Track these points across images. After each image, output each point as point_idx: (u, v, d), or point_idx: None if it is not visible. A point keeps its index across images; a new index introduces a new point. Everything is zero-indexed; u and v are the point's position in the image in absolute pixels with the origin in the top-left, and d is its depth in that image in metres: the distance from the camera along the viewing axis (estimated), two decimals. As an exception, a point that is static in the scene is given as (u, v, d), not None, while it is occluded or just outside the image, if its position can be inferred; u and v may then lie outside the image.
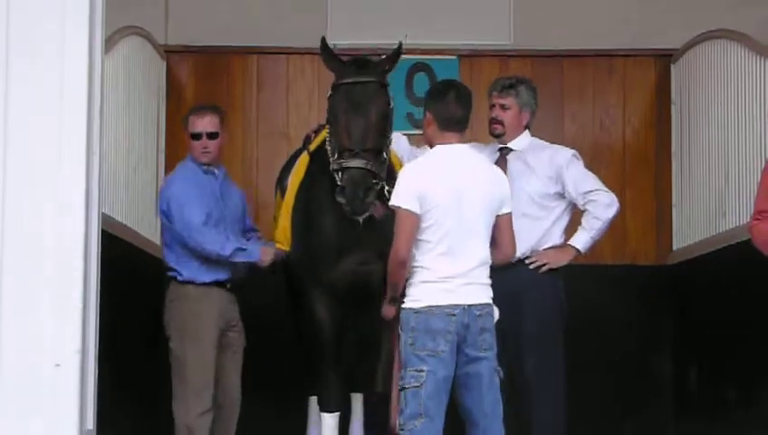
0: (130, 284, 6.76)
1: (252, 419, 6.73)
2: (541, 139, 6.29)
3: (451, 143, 5.11)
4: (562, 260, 6.05)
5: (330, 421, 6.11)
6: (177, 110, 8.21)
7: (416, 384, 4.85)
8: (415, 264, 5.01)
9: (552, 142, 6.37)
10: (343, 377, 6.27)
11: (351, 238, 5.79)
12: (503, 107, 6.14)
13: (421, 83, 8.12)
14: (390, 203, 5.04)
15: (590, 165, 6.36)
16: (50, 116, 5.12)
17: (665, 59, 8.29)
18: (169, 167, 8.09)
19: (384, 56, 5.91)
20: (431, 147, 5.21)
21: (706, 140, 7.62)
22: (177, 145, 8.16)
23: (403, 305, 5.01)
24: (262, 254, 6.21)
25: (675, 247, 8.12)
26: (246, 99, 8.28)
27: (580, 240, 6.08)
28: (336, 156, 5.59)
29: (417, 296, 4.95)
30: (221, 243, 6.13)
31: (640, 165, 8.29)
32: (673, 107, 8.26)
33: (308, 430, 6.87)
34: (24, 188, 5.08)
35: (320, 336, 6.05)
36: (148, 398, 7.58)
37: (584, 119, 8.35)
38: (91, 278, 5.16)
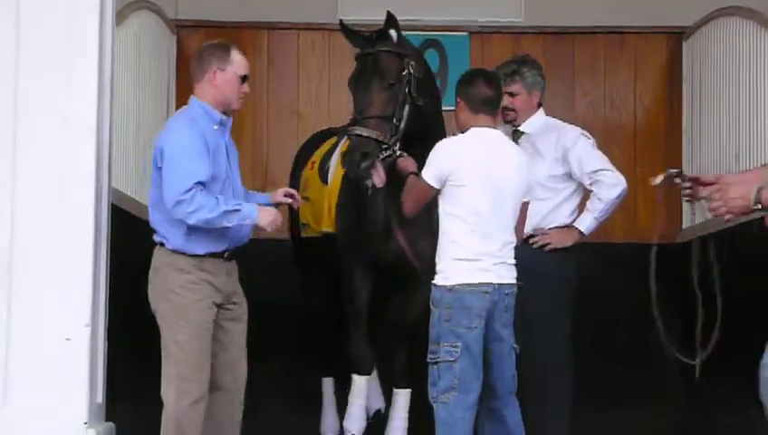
0: (139, 257, 6.77)
1: (262, 401, 6.74)
2: (553, 117, 6.27)
3: (486, 126, 5.24)
4: (566, 241, 6.04)
5: (360, 383, 6.15)
6: (187, 84, 8.17)
7: (450, 359, 4.99)
8: (447, 238, 5.13)
9: (563, 119, 6.35)
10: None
11: (398, 218, 5.87)
12: (511, 94, 6.12)
13: (432, 60, 8.06)
14: (422, 175, 5.19)
15: (601, 142, 6.34)
16: (60, 91, 5.13)
17: (676, 36, 8.26)
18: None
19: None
20: (461, 133, 5.32)
21: (717, 118, 7.60)
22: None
23: (435, 282, 5.12)
24: (262, 216, 5.23)
25: (684, 226, 8.12)
26: (257, 74, 8.24)
27: (584, 222, 6.07)
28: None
29: (450, 274, 5.07)
30: (209, 207, 5.10)
31: (651, 142, 8.28)
32: (684, 84, 8.23)
33: (322, 411, 6.93)
34: (35, 162, 5.10)
35: (356, 306, 6.13)
36: (158, 371, 7.61)
37: (595, 96, 8.33)
38: (101, 252, 5.19)
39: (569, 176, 6.06)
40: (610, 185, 6.03)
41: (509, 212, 5.20)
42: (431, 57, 8.10)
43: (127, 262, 5.92)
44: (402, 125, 5.64)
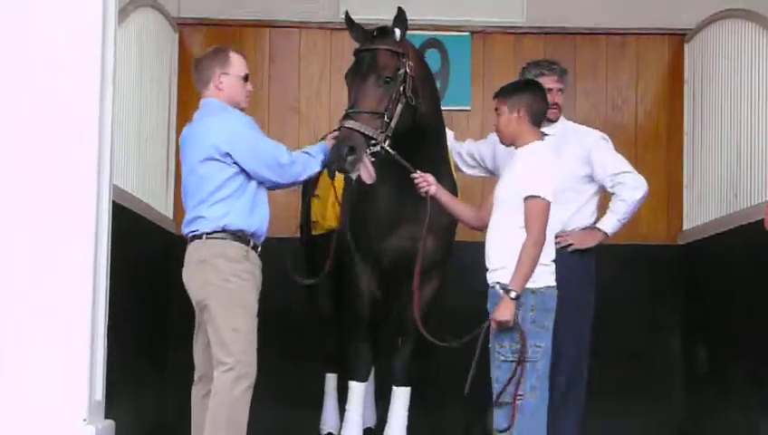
0: (139, 253, 6.78)
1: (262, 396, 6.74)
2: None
3: (540, 138, 5.29)
4: (589, 242, 6.04)
5: (357, 390, 6.14)
6: (189, 82, 8.15)
7: (535, 358, 5.14)
8: None
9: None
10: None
11: (403, 213, 5.87)
12: (561, 91, 6.16)
13: (433, 59, 8.08)
14: (536, 193, 5.13)
15: (603, 143, 6.34)
16: (63, 88, 5.13)
17: (678, 38, 8.26)
18: (181, 139, 8.09)
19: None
20: (507, 143, 5.34)
21: (719, 120, 7.61)
22: (189, 116, 8.14)
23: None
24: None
25: (685, 227, 8.12)
26: (258, 72, 8.25)
27: (608, 223, 6.08)
28: None
29: (535, 277, 5.16)
30: (305, 158, 5.48)
31: (652, 144, 8.27)
32: (686, 86, 8.24)
33: (324, 407, 6.97)
34: (36, 159, 5.10)
35: (358, 305, 6.14)
36: (157, 368, 7.62)
37: (597, 97, 8.33)
38: (102, 246, 5.19)
39: (590, 178, 6.07)
40: (634, 187, 6.05)
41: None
42: (432, 57, 8.11)
43: (127, 258, 5.93)
44: (393, 123, 5.64)
